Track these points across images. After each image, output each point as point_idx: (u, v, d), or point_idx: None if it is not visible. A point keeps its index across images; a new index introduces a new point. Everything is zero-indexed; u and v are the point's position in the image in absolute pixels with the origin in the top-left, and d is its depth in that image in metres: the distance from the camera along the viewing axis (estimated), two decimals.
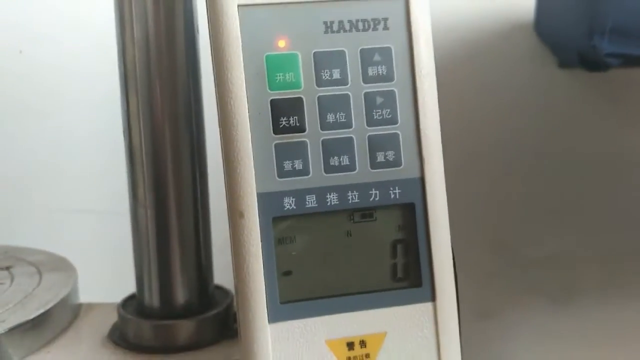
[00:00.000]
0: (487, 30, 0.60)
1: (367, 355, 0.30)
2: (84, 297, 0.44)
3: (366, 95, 0.30)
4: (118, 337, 0.39)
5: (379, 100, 0.30)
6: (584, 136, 0.62)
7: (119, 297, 0.41)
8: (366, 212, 0.30)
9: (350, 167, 0.30)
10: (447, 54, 0.59)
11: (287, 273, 0.29)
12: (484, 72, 0.61)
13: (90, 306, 0.43)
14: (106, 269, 0.55)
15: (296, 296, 0.29)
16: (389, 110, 0.30)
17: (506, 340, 0.65)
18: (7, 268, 0.44)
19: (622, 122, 0.62)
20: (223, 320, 0.39)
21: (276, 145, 0.29)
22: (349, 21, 0.30)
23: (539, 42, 0.60)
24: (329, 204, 0.30)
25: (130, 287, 0.41)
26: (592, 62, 0.50)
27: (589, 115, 0.62)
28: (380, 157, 0.30)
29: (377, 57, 0.30)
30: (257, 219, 0.29)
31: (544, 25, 0.59)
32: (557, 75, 0.60)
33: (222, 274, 0.41)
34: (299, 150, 0.29)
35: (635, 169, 0.62)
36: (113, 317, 0.40)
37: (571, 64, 0.57)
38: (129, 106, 0.37)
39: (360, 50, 0.30)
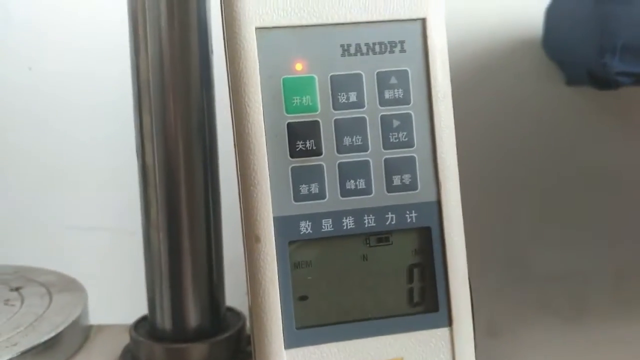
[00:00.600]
0: (494, 47, 0.60)
1: None
2: (94, 318, 0.44)
3: (383, 118, 0.30)
4: None
5: (396, 123, 0.30)
6: (594, 152, 0.62)
7: (129, 318, 0.41)
8: (382, 236, 0.30)
9: (367, 191, 0.29)
10: (455, 70, 0.59)
11: (303, 298, 0.29)
12: (490, 89, 0.61)
13: (101, 328, 0.43)
14: (117, 289, 0.54)
15: (312, 322, 0.29)
16: (405, 133, 0.30)
17: (514, 357, 0.64)
18: (17, 289, 0.44)
19: (631, 138, 0.62)
20: (235, 343, 0.39)
21: (292, 169, 0.29)
22: (366, 44, 0.29)
23: (546, 59, 0.60)
24: (345, 227, 0.29)
25: (142, 308, 0.40)
26: (602, 81, 0.50)
27: (599, 131, 0.61)
28: (396, 181, 0.30)
29: (393, 80, 0.30)
30: (274, 243, 0.29)
31: (552, 43, 0.59)
32: (565, 92, 0.60)
33: (231, 293, 0.41)
34: (315, 174, 0.29)
35: None
36: (124, 339, 0.40)
37: (580, 81, 0.57)
38: (142, 127, 0.37)
39: (377, 73, 0.29)
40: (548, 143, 0.61)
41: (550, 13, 0.58)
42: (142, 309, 0.40)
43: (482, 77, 0.60)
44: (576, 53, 0.53)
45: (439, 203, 0.30)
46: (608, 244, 0.63)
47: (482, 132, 0.61)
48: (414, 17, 0.30)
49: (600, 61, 0.46)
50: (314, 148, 0.29)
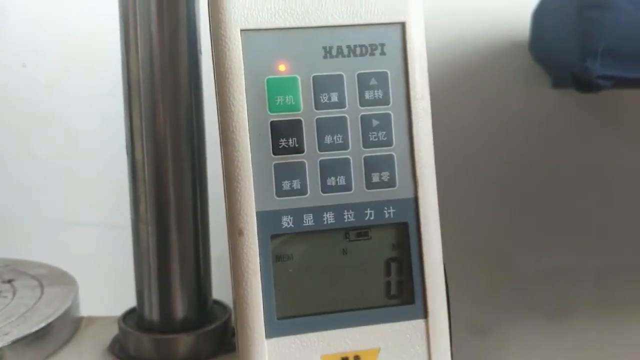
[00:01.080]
0: (482, 49, 0.61)
1: None
2: (84, 311, 0.45)
3: (363, 118, 0.31)
4: (118, 350, 0.40)
5: (375, 122, 0.31)
6: (580, 153, 0.63)
7: (118, 310, 0.42)
8: (361, 231, 0.31)
9: (347, 187, 0.31)
10: (442, 73, 0.60)
11: (285, 289, 0.30)
12: (478, 91, 0.62)
13: (91, 319, 0.44)
14: (106, 283, 0.55)
15: (293, 312, 0.30)
16: (384, 132, 0.31)
17: (501, 357, 0.65)
18: (10, 281, 0.45)
19: (618, 140, 0.63)
20: (221, 334, 0.40)
21: (275, 166, 0.30)
22: (347, 46, 0.31)
23: (533, 62, 0.61)
24: (325, 222, 0.30)
25: (131, 301, 0.41)
26: (584, 84, 0.51)
27: (585, 133, 0.62)
28: (375, 178, 0.31)
29: (373, 82, 0.31)
30: (256, 237, 0.30)
31: (538, 46, 0.60)
32: (552, 94, 0.61)
33: (217, 288, 0.42)
34: (297, 171, 0.30)
35: (631, 186, 0.63)
36: (113, 331, 0.41)
37: (564, 84, 0.58)
38: (132, 124, 0.38)
39: (358, 74, 0.31)
40: (534, 144, 0.63)
41: (537, 16, 0.59)
42: (131, 302, 0.41)
43: (470, 79, 0.61)
44: (560, 56, 0.54)
45: (416, 200, 0.31)
46: (593, 244, 0.64)
47: (469, 133, 0.62)
48: (394, 21, 0.31)
49: (582, 65, 0.47)
50: (296, 146, 0.30)
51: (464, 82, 0.61)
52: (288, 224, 0.30)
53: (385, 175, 0.31)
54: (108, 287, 0.53)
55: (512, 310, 0.64)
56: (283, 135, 0.30)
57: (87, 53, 0.60)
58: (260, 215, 0.30)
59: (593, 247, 0.64)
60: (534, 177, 0.63)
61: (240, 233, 0.30)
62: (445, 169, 0.32)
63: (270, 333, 0.30)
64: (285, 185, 0.30)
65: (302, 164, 0.30)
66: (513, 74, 0.62)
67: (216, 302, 0.42)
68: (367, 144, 0.31)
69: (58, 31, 0.60)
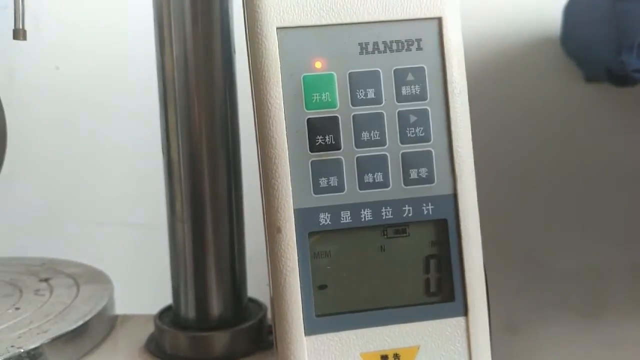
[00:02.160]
0: (513, 44, 0.61)
1: None
2: (119, 309, 0.45)
3: (400, 114, 0.31)
4: (154, 348, 0.40)
5: (413, 118, 0.31)
6: (613, 149, 0.62)
7: (153, 309, 0.42)
8: (399, 228, 0.31)
9: (384, 184, 0.30)
10: (475, 69, 0.60)
11: (323, 287, 0.30)
12: (510, 87, 0.61)
13: (127, 318, 0.44)
14: (141, 281, 0.56)
15: (332, 309, 0.30)
16: (422, 128, 0.31)
17: (535, 354, 0.64)
18: (46, 280, 0.46)
19: None
20: (257, 332, 0.40)
21: (312, 163, 0.30)
22: (383, 42, 0.30)
23: (565, 56, 0.60)
24: (363, 219, 0.30)
25: (166, 299, 0.42)
26: (619, 78, 0.50)
27: (618, 129, 0.62)
28: (413, 174, 0.31)
29: (410, 77, 0.31)
30: (294, 234, 0.30)
31: (571, 40, 0.59)
32: (585, 89, 0.61)
33: (253, 285, 0.42)
34: (334, 168, 0.30)
35: None
36: (149, 328, 0.41)
37: (598, 78, 0.57)
38: (167, 123, 0.39)
39: (394, 70, 0.30)
40: (566, 140, 0.62)
41: (569, 11, 0.59)
42: (166, 300, 0.42)
43: (502, 75, 0.61)
44: (594, 50, 0.53)
45: (455, 196, 0.31)
46: (625, 241, 0.63)
47: (500, 129, 0.61)
48: (430, 16, 0.31)
49: (618, 58, 0.46)
50: (333, 143, 0.30)
51: (496, 78, 0.61)
52: (325, 221, 0.30)
53: (424, 172, 0.31)
54: (143, 285, 0.53)
55: (543, 307, 0.64)
56: (320, 133, 0.30)
57: (121, 54, 0.60)
58: (298, 213, 0.30)
59: (626, 244, 0.63)
60: (566, 173, 0.62)
61: (278, 230, 0.30)
62: (477, 165, 0.32)
63: (310, 330, 0.30)
64: (323, 182, 0.30)
65: (339, 161, 0.30)
66: (545, 69, 0.61)
67: (251, 300, 0.42)
68: (404, 140, 0.31)
69: (91, 34, 0.61)
